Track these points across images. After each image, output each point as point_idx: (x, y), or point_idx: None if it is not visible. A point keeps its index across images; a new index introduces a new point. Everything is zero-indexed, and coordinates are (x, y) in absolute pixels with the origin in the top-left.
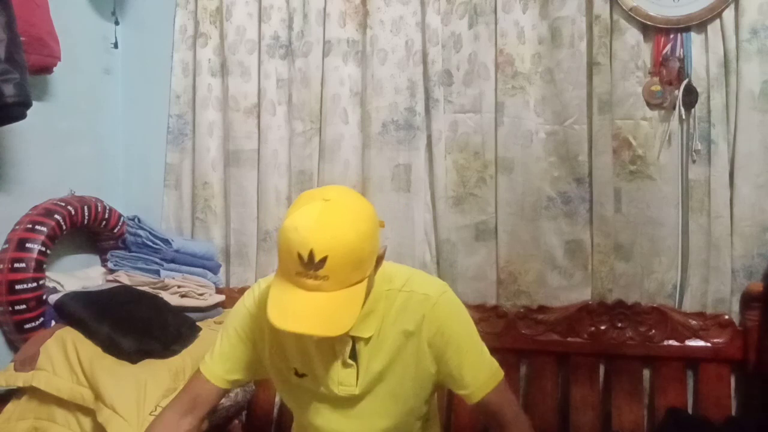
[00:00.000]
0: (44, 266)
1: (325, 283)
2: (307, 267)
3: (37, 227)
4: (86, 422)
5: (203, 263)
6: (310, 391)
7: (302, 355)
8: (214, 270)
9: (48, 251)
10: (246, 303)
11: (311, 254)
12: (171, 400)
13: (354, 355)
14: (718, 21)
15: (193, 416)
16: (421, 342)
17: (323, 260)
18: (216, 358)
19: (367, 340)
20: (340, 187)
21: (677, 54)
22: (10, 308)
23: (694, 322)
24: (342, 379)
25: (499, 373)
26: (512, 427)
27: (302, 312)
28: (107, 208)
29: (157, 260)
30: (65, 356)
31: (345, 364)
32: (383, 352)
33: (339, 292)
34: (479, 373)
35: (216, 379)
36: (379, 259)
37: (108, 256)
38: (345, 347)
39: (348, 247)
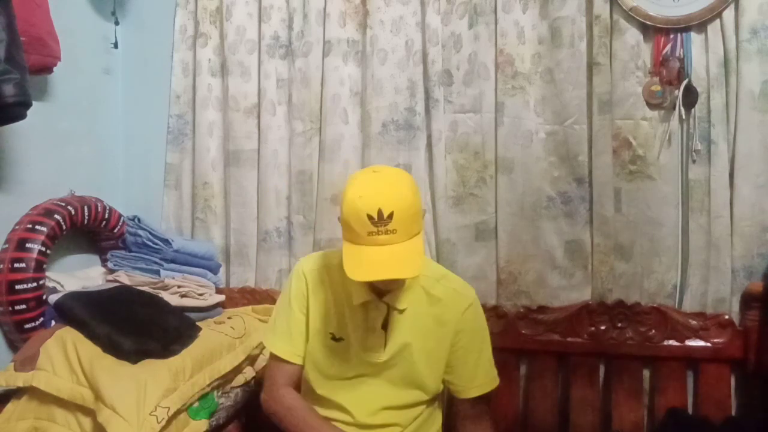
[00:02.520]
0: (44, 266)
1: (395, 235)
2: (378, 224)
3: (37, 227)
4: (86, 422)
5: (203, 263)
6: (342, 355)
7: (340, 320)
8: (214, 270)
9: (48, 251)
10: (294, 281)
11: (380, 212)
12: (270, 388)
13: (385, 326)
14: (718, 21)
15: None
16: (450, 331)
17: (390, 215)
18: (288, 342)
19: (401, 312)
20: (384, 165)
21: (677, 54)
22: (10, 308)
23: (694, 322)
24: (372, 345)
25: (496, 381)
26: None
27: (379, 262)
28: (107, 208)
29: (157, 260)
30: (65, 356)
31: (376, 332)
32: (412, 328)
33: (406, 242)
34: (486, 375)
35: (292, 356)
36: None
37: (108, 256)
38: (379, 316)
39: (408, 202)
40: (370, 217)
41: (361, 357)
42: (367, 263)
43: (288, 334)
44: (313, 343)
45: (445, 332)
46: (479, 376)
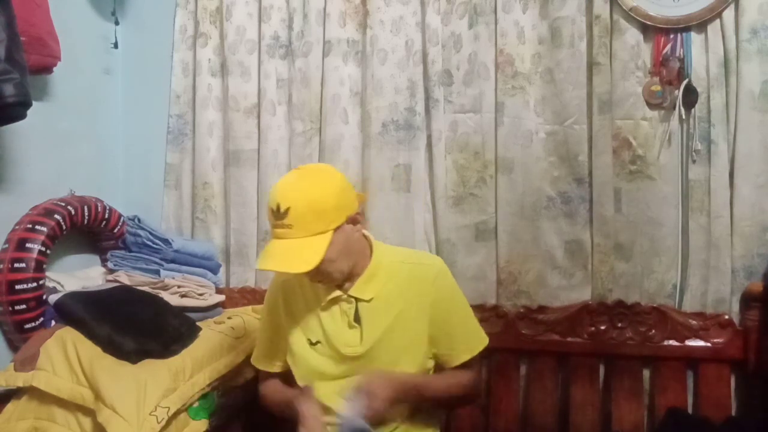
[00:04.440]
0: (44, 266)
1: (290, 230)
2: (276, 218)
3: (37, 227)
4: (86, 422)
5: (203, 263)
6: (322, 357)
7: (314, 324)
8: (214, 270)
9: (48, 251)
10: (269, 294)
11: (278, 207)
12: (263, 383)
13: (358, 319)
14: (718, 21)
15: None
16: (426, 306)
17: (286, 211)
18: (260, 352)
19: (369, 302)
20: (318, 164)
21: (677, 54)
22: (10, 308)
23: (694, 322)
24: (348, 340)
25: (485, 340)
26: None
27: (274, 254)
28: (107, 208)
29: (157, 260)
30: (65, 356)
31: (350, 326)
32: (386, 315)
33: (303, 239)
34: (474, 334)
35: (268, 368)
36: (353, 220)
37: (108, 256)
38: (350, 310)
39: (307, 200)
40: (272, 211)
41: (342, 355)
42: (268, 255)
43: (262, 346)
44: (295, 350)
45: (421, 309)
46: (466, 338)
